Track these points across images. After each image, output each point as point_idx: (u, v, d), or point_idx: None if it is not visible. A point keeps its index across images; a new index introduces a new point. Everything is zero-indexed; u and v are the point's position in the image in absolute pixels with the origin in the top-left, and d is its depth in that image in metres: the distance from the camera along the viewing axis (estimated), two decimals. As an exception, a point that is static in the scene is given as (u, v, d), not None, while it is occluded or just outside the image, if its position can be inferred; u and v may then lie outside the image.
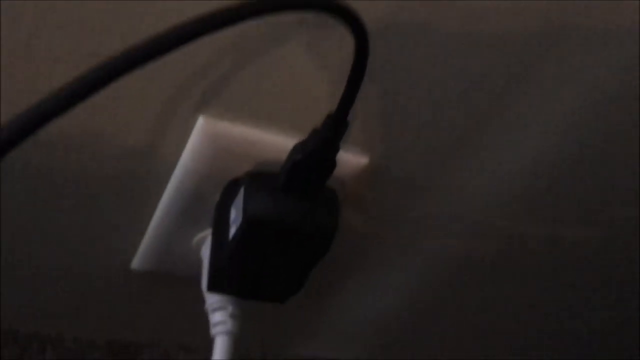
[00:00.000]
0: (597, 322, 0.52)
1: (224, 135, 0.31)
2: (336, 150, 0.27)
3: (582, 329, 0.52)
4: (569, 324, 0.51)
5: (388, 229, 0.40)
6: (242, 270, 0.31)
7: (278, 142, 0.31)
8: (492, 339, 0.53)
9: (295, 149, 0.28)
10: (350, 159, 0.33)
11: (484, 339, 0.53)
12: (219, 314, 0.34)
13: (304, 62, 0.29)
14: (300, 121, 0.31)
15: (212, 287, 0.33)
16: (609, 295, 0.49)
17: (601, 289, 0.48)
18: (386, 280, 0.45)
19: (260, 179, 0.29)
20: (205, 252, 0.36)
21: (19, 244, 0.37)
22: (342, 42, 0.26)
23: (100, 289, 0.41)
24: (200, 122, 0.31)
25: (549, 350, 0.54)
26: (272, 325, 0.47)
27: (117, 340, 0.47)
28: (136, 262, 0.38)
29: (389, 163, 0.35)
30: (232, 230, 0.30)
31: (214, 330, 0.35)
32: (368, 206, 0.38)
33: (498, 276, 0.47)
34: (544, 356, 0.55)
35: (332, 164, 0.28)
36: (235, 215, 0.30)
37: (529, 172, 0.38)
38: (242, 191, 0.30)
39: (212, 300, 0.35)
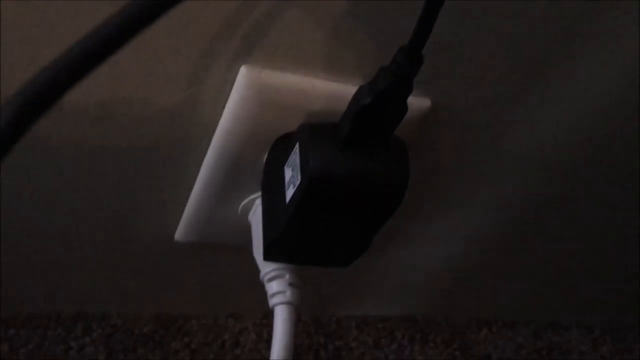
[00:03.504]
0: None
1: (270, 85, 0.28)
2: (410, 90, 0.23)
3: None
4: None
5: (449, 175, 0.38)
6: (302, 235, 0.28)
7: (333, 90, 0.28)
8: (551, 287, 0.52)
9: (361, 91, 0.24)
10: (412, 102, 0.29)
11: (547, 290, 0.51)
12: (277, 284, 0.32)
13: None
14: (356, 65, 0.27)
15: (269, 256, 0.30)
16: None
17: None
18: (443, 229, 0.43)
19: (317, 131, 0.25)
20: (255, 218, 0.33)
21: (56, 223, 0.35)
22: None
23: (144, 262, 0.39)
24: (243, 72, 0.27)
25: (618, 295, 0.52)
26: (323, 284, 0.45)
27: (165, 312, 0.45)
28: (179, 234, 0.36)
29: (451, 104, 0.32)
30: (290, 193, 0.26)
31: (272, 301, 0.32)
32: (433, 152, 0.35)
33: (560, 221, 0.45)
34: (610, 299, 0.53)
35: (404, 107, 0.24)
36: (292, 175, 0.26)
37: (598, 111, 0.36)
38: (297, 147, 0.26)
39: (268, 269, 0.32)
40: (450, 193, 0.40)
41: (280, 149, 0.29)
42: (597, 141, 0.38)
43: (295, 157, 0.26)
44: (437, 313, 0.52)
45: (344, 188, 0.25)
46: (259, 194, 0.32)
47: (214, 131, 0.30)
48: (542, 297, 0.53)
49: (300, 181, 0.25)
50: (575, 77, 0.33)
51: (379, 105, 0.23)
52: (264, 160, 0.30)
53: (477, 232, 0.44)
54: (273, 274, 0.32)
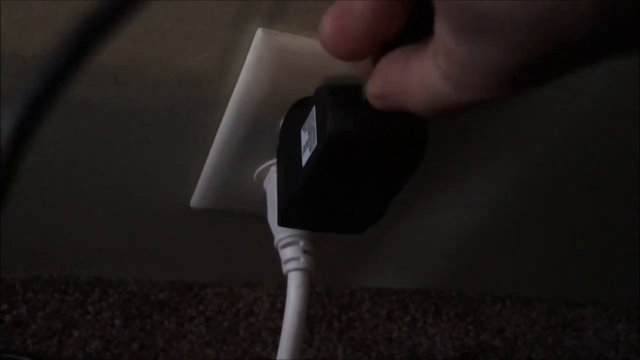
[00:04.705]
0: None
1: (287, 49, 0.27)
2: None
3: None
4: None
5: (465, 145, 0.37)
6: (318, 200, 0.28)
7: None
8: (567, 263, 0.51)
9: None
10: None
11: (562, 266, 0.51)
12: (291, 250, 0.32)
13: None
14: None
15: (283, 222, 0.30)
16: None
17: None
18: (459, 202, 0.43)
19: (335, 94, 0.25)
20: (270, 185, 0.33)
21: (74, 188, 0.35)
22: None
23: (160, 229, 0.39)
24: (259, 34, 0.27)
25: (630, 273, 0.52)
26: (336, 256, 0.45)
27: (180, 280, 0.45)
28: (195, 200, 0.36)
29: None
30: (306, 156, 0.26)
31: (286, 267, 0.32)
32: (451, 120, 0.34)
33: (578, 196, 0.45)
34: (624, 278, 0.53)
35: None
36: (309, 138, 0.26)
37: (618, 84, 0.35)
38: (314, 109, 0.26)
39: (282, 235, 0.32)
40: (467, 165, 0.39)
41: (296, 113, 0.28)
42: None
43: (312, 120, 0.26)
44: (451, 287, 0.52)
45: (362, 149, 0.24)
46: (275, 160, 0.32)
47: (230, 95, 0.30)
48: (557, 273, 0.53)
49: (317, 143, 0.25)
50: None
51: None
52: (280, 125, 0.30)
53: (493, 207, 0.44)
54: (287, 240, 0.32)
